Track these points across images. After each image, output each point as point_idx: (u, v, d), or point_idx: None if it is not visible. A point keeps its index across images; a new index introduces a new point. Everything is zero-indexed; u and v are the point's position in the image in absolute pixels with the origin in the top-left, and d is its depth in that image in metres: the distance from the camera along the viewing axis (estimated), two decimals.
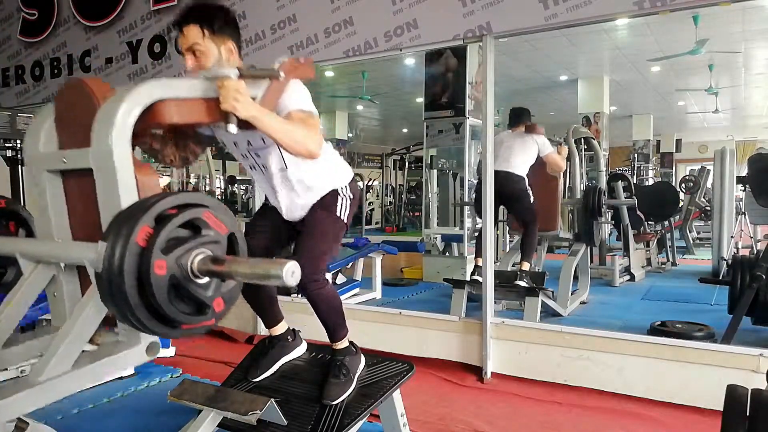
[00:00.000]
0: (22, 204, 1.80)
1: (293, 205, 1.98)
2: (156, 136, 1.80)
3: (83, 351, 1.32)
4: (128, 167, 1.27)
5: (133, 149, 1.69)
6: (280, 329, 2.15)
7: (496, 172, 4.07)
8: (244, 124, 1.57)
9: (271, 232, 2.05)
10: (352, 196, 2.03)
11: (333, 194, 1.99)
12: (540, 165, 4.32)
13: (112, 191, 1.26)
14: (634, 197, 6.41)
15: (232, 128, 1.52)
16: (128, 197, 1.26)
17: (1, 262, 1.62)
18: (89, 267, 1.25)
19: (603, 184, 6.04)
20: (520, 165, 4.18)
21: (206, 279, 1.16)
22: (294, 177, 1.93)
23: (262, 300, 2.14)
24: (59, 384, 1.25)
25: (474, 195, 4.47)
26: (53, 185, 1.47)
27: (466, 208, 6.29)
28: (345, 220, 2.00)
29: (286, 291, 3.98)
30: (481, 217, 3.31)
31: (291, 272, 1.06)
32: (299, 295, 4.03)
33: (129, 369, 3.07)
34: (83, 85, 1.39)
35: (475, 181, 5.46)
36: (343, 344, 2.03)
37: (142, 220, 1.09)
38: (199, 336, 1.22)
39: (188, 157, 1.91)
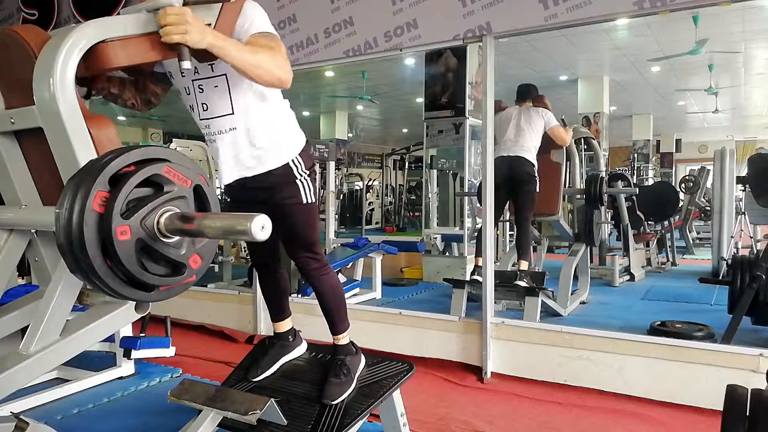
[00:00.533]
0: None
1: (234, 162, 1.80)
2: (112, 80, 1.66)
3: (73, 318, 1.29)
4: (78, 122, 1.18)
5: (89, 97, 1.60)
6: (284, 326, 2.16)
7: (505, 158, 4.11)
8: (200, 56, 1.40)
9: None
10: (308, 172, 1.89)
11: (289, 182, 1.85)
12: (544, 150, 4.31)
13: (66, 151, 1.18)
14: (634, 198, 6.42)
15: (186, 64, 1.33)
16: (85, 155, 1.17)
17: None
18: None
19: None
20: (530, 148, 4.16)
21: (177, 238, 1.09)
22: (240, 126, 1.75)
23: (276, 291, 2.16)
24: (51, 353, 1.22)
25: (478, 186, 4.45)
26: (8, 148, 1.37)
27: (466, 207, 6.30)
28: (313, 199, 1.91)
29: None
30: (482, 207, 3.28)
31: (261, 226, 0.98)
32: (299, 295, 4.03)
33: (129, 368, 3.07)
34: (15, 36, 1.27)
35: (476, 182, 5.46)
36: (344, 339, 2.03)
37: (95, 184, 1.00)
38: (181, 292, 1.16)
39: (150, 99, 1.77)
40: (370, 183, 13.50)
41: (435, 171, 6.94)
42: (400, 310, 3.52)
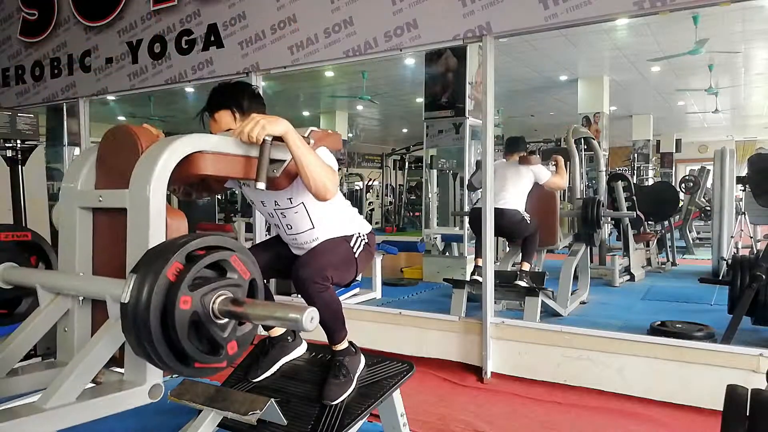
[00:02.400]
0: (23, 211, 1.82)
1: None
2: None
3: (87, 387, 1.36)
4: (161, 210, 1.35)
5: None
6: (279, 330, 2.15)
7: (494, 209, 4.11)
8: (271, 185, 1.66)
9: (275, 255, 2.08)
10: (368, 242, 2.07)
11: (350, 235, 2.04)
12: (537, 184, 4.30)
13: (142, 231, 1.34)
14: (634, 197, 6.41)
15: (261, 185, 1.59)
16: (157, 237, 1.33)
17: (18, 292, 1.65)
18: (110, 302, 1.30)
19: (603, 184, 6.04)
20: (513, 198, 4.14)
21: (225, 320, 1.20)
22: (320, 235, 2.00)
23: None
24: (63, 414, 1.28)
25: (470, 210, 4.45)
26: (84, 221, 1.53)
27: (466, 207, 6.29)
28: (356, 254, 2.01)
29: (286, 291, 3.99)
30: (476, 235, 3.29)
31: (310, 318, 1.10)
32: (299, 296, 4.03)
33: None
34: (130, 131, 1.48)
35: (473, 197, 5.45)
36: (342, 346, 2.02)
37: (174, 257, 1.14)
38: (208, 375, 1.26)
39: (192, 194, 1.94)
40: (370, 183, 13.50)
41: (435, 171, 6.94)
42: (400, 310, 3.52)
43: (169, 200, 1.42)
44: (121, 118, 12.08)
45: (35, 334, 1.50)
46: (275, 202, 1.95)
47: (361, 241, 2.05)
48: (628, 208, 6.17)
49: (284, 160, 1.70)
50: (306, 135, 1.77)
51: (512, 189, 4.17)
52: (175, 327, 1.12)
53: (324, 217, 1.98)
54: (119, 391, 1.37)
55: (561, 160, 4.50)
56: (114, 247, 1.43)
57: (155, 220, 1.34)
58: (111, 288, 1.31)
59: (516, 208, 4.13)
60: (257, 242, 3.61)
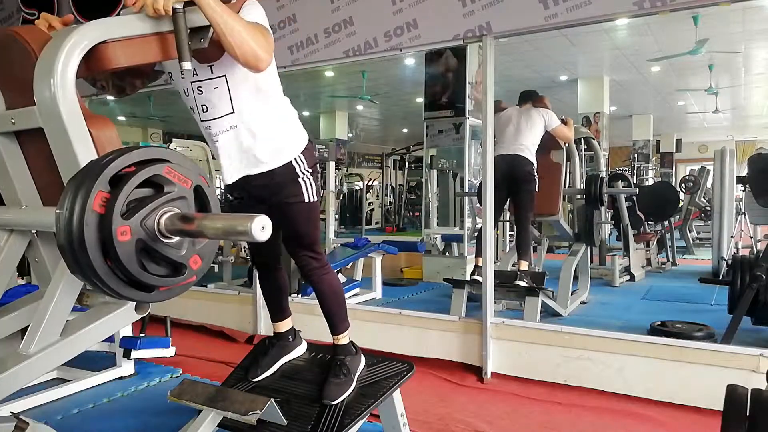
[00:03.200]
0: None
1: (236, 161, 1.81)
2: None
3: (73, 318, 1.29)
4: (79, 122, 1.18)
5: None
6: (284, 326, 2.16)
7: (505, 156, 4.11)
8: (200, 57, 1.44)
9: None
10: (311, 170, 1.89)
11: (291, 180, 1.85)
12: (544, 150, 4.31)
13: (67, 151, 1.18)
14: (634, 197, 6.42)
15: (187, 65, 1.36)
16: (85, 155, 1.17)
17: None
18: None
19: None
20: (529, 147, 4.17)
21: (177, 238, 1.09)
22: (241, 125, 1.76)
23: (275, 291, 2.16)
24: (51, 354, 1.22)
25: (478, 185, 4.44)
26: (9, 148, 1.38)
27: (466, 207, 6.29)
28: (315, 198, 1.91)
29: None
30: (482, 207, 3.26)
31: (261, 227, 0.98)
32: (299, 295, 4.03)
33: (129, 369, 3.07)
34: (16, 36, 1.27)
35: (476, 181, 5.46)
36: (344, 339, 2.03)
37: (96, 185, 1.01)
38: (182, 292, 1.17)
39: (125, 88, 1.75)
40: (370, 183, 13.50)
41: (435, 171, 6.94)
42: (400, 310, 3.52)
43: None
44: (121, 118, 12.08)
45: (5, 272, 1.41)
46: (194, 71, 1.68)
47: (307, 180, 1.87)
48: (629, 208, 6.18)
49: (209, 26, 1.44)
50: None
51: (527, 137, 4.19)
52: (121, 261, 1.02)
53: (248, 102, 1.75)
54: (105, 315, 1.27)
55: (571, 120, 4.56)
56: (50, 171, 1.26)
57: (76, 135, 1.17)
58: (53, 219, 1.13)
59: (530, 158, 4.15)
60: None
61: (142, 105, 10.67)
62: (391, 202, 13.45)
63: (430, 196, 6.98)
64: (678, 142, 15.27)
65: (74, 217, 0.99)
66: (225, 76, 1.69)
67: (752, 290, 3.14)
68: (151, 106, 10.82)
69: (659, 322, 3.63)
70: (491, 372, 3.10)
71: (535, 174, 4.16)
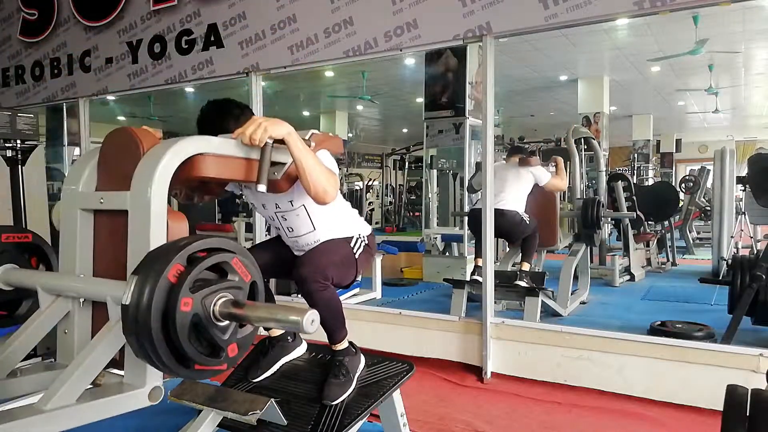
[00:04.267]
0: (23, 207, 1.81)
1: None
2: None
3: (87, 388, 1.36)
4: (163, 212, 1.36)
5: None
6: (279, 329, 2.15)
7: (495, 210, 4.10)
8: (272, 188, 1.67)
9: (275, 256, 2.07)
10: (368, 244, 2.07)
11: (351, 236, 2.04)
12: (538, 186, 4.31)
13: (143, 233, 1.34)
14: (634, 197, 6.41)
15: (262, 188, 1.59)
16: (158, 239, 1.33)
17: (18, 294, 1.65)
18: (111, 304, 1.31)
19: (603, 184, 6.04)
20: (513, 200, 4.15)
21: (225, 322, 1.20)
22: (321, 237, 2.00)
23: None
24: (63, 415, 1.28)
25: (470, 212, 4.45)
26: (85, 223, 1.53)
27: (466, 207, 6.29)
28: (356, 254, 2.01)
29: (286, 291, 3.99)
30: (475, 235, 3.29)
31: (311, 321, 1.10)
32: (299, 296, 4.03)
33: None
34: (131, 133, 1.48)
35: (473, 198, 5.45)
36: (342, 346, 2.02)
37: (175, 258, 1.15)
38: (208, 377, 1.31)
39: (194, 197, 1.94)
40: (370, 183, 13.49)
41: (435, 171, 6.94)
42: (400, 310, 3.52)
43: (169, 202, 1.42)
44: (121, 118, 12.08)
45: (35, 336, 1.50)
46: (276, 204, 1.95)
47: (362, 242, 2.05)
48: (628, 208, 6.17)
49: (285, 163, 1.70)
50: (307, 137, 1.77)
51: (512, 190, 4.17)
52: (176, 329, 1.12)
53: (325, 219, 1.98)
54: (119, 393, 1.38)
55: (561, 161, 4.50)
56: (115, 249, 1.43)
57: (156, 222, 1.34)
58: (112, 289, 1.31)
59: (515, 210, 4.13)
60: (257, 242, 3.61)
61: (143, 105, 10.66)
62: (391, 202, 13.43)
63: (430, 196, 6.98)
64: (678, 142, 15.27)
65: (149, 280, 1.11)
66: (304, 205, 1.94)
67: (752, 290, 3.14)
68: (151, 106, 10.82)
69: (659, 322, 3.63)
70: (491, 372, 3.10)
71: (526, 218, 4.18)
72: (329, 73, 8.86)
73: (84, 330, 1.51)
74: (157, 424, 2.48)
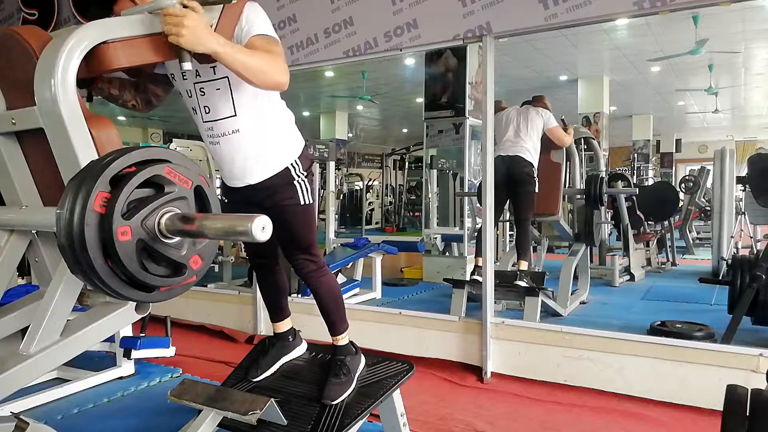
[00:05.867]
0: None
1: (235, 166, 1.82)
2: (113, 81, 1.68)
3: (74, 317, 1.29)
4: (79, 122, 1.18)
5: (91, 99, 1.61)
6: (284, 326, 2.16)
7: (504, 157, 4.11)
8: (201, 58, 1.40)
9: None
10: (306, 173, 1.89)
11: (287, 183, 1.85)
12: (544, 150, 4.31)
13: (67, 151, 1.18)
14: (634, 197, 6.42)
15: (187, 65, 1.35)
16: (86, 155, 1.17)
17: None
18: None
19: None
20: (529, 149, 4.16)
21: (177, 239, 1.09)
22: (242, 128, 1.75)
23: (274, 291, 2.16)
24: (51, 354, 1.22)
25: (478, 185, 4.44)
26: (9, 148, 1.38)
27: (466, 207, 6.30)
28: (311, 200, 1.92)
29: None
30: (482, 207, 3.25)
31: (261, 227, 0.98)
32: (299, 295, 4.03)
33: (129, 368, 3.07)
34: (16, 37, 1.27)
35: (476, 181, 5.46)
36: (343, 340, 2.03)
37: (96, 185, 1.01)
38: (182, 293, 1.19)
39: (151, 99, 1.79)
40: (370, 183, 13.50)
41: (435, 171, 6.94)
42: (400, 310, 3.52)
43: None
44: (121, 118, 12.08)
45: (5, 272, 1.42)
46: (196, 72, 1.67)
47: (303, 183, 1.88)
48: (629, 209, 6.18)
49: (210, 24, 1.44)
50: (219, 12, 1.52)
51: (527, 138, 4.18)
52: (122, 261, 1.02)
53: (249, 106, 1.74)
54: (105, 315, 1.27)
55: (571, 128, 4.57)
56: (51, 171, 1.26)
57: (76, 135, 1.17)
58: (53, 219, 1.12)
59: (530, 160, 4.14)
60: None
61: None
62: (391, 202, 13.44)
63: (430, 196, 6.98)
64: (678, 142, 15.27)
65: (75, 217, 0.99)
66: (227, 77, 1.68)
67: (752, 290, 3.14)
68: None
69: (659, 322, 3.63)
70: (491, 372, 3.10)
71: (535, 175, 4.15)
72: (329, 73, 8.86)
73: (53, 255, 1.43)
74: (157, 424, 2.49)
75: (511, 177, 4.08)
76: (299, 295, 4.04)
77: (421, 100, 6.69)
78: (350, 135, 14.05)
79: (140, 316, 1.31)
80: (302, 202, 1.89)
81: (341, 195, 11.68)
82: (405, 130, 15.19)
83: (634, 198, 6.45)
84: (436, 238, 6.57)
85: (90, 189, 1.00)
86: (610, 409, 2.68)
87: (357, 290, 4.95)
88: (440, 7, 3.19)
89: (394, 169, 13.47)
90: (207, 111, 1.75)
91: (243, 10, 1.59)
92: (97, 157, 1.15)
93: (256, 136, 1.78)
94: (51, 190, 1.36)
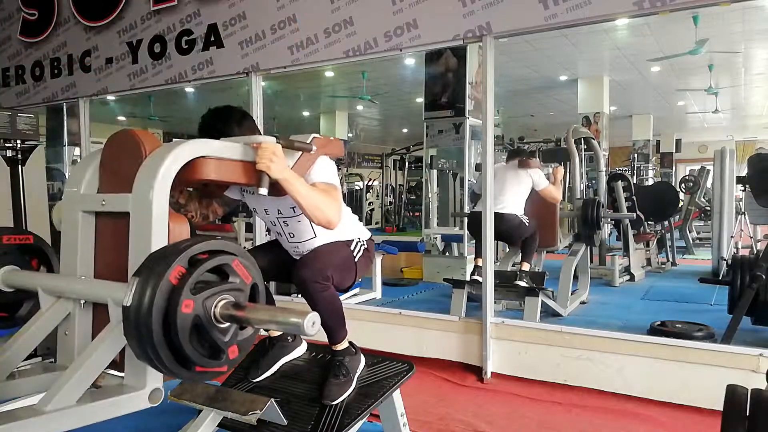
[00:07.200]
0: (24, 211, 1.82)
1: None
2: (184, 191, 1.90)
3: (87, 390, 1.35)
4: (164, 214, 1.36)
5: None
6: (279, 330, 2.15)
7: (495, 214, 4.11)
8: (274, 191, 1.68)
9: (275, 258, 2.07)
10: (367, 247, 2.09)
11: (351, 240, 2.05)
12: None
13: (145, 235, 1.35)
14: (634, 197, 6.41)
15: (263, 190, 1.63)
16: (159, 241, 1.34)
17: (19, 296, 1.66)
18: (112, 305, 1.31)
19: (603, 184, 6.04)
20: (512, 203, 4.16)
21: (226, 324, 1.21)
22: (321, 241, 2.00)
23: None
24: (63, 417, 1.28)
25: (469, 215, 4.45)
26: (86, 225, 1.54)
27: (466, 207, 6.29)
28: (355, 258, 2.02)
29: (286, 292, 3.99)
30: (475, 238, 3.29)
31: (312, 323, 1.11)
32: (299, 296, 4.03)
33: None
34: (133, 136, 1.48)
35: (475, 181, 5.46)
36: (342, 346, 2.03)
37: (177, 260, 1.15)
38: (208, 379, 1.35)
39: (209, 215, 1.99)
40: (370, 183, 13.49)
41: (435, 171, 6.95)
42: (400, 310, 3.52)
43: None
44: (122, 118, 12.09)
45: (36, 338, 1.50)
46: (278, 210, 1.96)
47: (361, 246, 2.06)
48: (628, 209, 6.17)
49: (288, 165, 1.71)
50: (308, 141, 1.78)
51: (511, 193, 4.19)
52: (177, 330, 1.13)
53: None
54: (119, 395, 1.38)
55: (560, 172, 4.53)
56: (116, 251, 1.43)
57: (158, 224, 1.34)
58: (113, 291, 1.32)
59: (514, 213, 4.15)
60: (257, 244, 3.61)
61: (143, 105, 10.67)
62: (391, 202, 13.43)
63: (430, 196, 6.98)
64: (678, 142, 15.26)
65: (150, 281, 1.12)
66: None
67: (752, 290, 3.14)
68: (151, 106, 10.82)
69: (659, 322, 3.63)
70: (491, 372, 3.10)
71: (525, 220, 4.20)
72: (329, 73, 8.86)
73: (84, 331, 1.51)
74: (157, 424, 2.48)
75: (504, 233, 4.09)
76: (299, 296, 4.03)
77: (421, 100, 6.69)
78: (350, 135, 14.05)
79: (151, 405, 1.41)
80: (350, 247, 2.03)
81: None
82: (405, 130, 15.19)
83: (634, 198, 6.45)
84: (436, 238, 6.57)
85: (170, 262, 1.15)
86: (610, 409, 2.68)
87: (357, 290, 4.95)
88: (440, 7, 3.19)
89: (394, 169, 13.45)
90: (291, 236, 2.03)
91: (316, 160, 1.83)
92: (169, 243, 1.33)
93: (334, 240, 2.01)
94: (110, 269, 1.50)
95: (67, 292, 1.50)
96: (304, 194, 1.71)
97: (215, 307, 1.19)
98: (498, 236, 3.94)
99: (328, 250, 1.97)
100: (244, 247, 1.70)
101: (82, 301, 1.50)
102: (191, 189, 1.92)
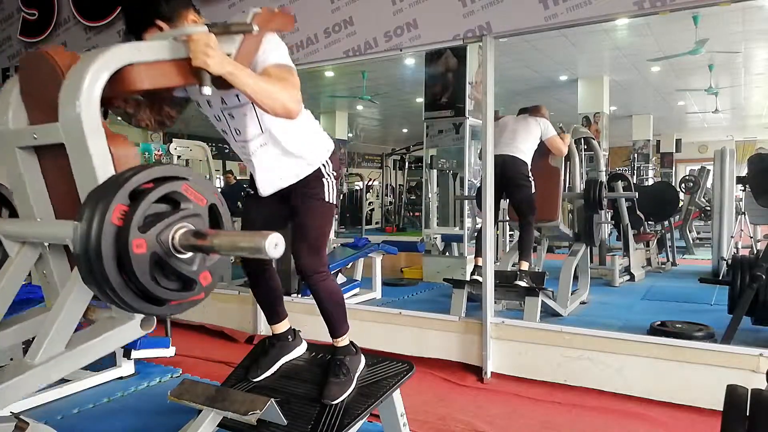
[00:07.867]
0: None
1: (270, 175, 1.91)
2: (129, 100, 1.75)
3: (78, 330, 1.31)
4: (100, 139, 1.22)
5: (106, 116, 1.64)
6: (282, 327, 2.16)
7: (499, 156, 4.08)
8: (219, 84, 1.48)
9: (264, 222, 2.00)
10: (335, 174, 1.98)
11: (317, 177, 1.94)
12: (542, 155, 4.32)
13: (86, 166, 1.21)
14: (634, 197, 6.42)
15: (207, 90, 1.43)
16: (104, 171, 1.21)
17: None
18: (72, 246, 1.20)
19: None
20: (524, 150, 4.17)
21: (190, 254, 1.12)
22: (271, 142, 1.85)
23: (269, 295, 2.14)
24: (55, 365, 1.24)
25: (477, 188, 4.45)
26: (28, 163, 1.41)
27: (466, 207, 6.29)
28: (334, 202, 1.99)
29: (287, 291, 3.99)
30: (482, 211, 3.26)
31: (274, 244, 1.01)
32: (299, 295, 4.03)
33: (129, 368, 3.07)
34: (45, 56, 1.32)
35: (476, 181, 5.46)
36: (343, 341, 2.03)
37: (115, 198, 1.04)
38: (190, 308, 1.23)
39: (164, 121, 1.86)
40: (370, 183, 13.50)
41: (435, 171, 6.94)
42: (400, 310, 3.52)
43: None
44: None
45: (14, 284, 1.43)
46: (222, 99, 1.78)
47: (330, 181, 1.95)
48: (629, 208, 6.18)
49: (230, 53, 1.53)
50: (249, 20, 1.58)
51: (523, 141, 4.19)
52: (135, 273, 1.05)
53: (276, 122, 1.82)
54: (110, 330, 1.30)
55: (568, 137, 4.56)
56: (68, 186, 1.29)
57: (96, 152, 1.21)
58: (69, 232, 1.15)
59: (524, 160, 4.14)
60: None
61: None
62: (391, 202, 13.44)
63: (430, 196, 6.98)
64: (678, 142, 15.27)
65: (92, 228, 1.02)
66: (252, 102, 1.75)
67: (752, 290, 3.14)
68: None
69: (659, 322, 3.63)
70: (491, 372, 3.10)
71: (529, 175, 4.15)
72: (329, 73, 8.87)
73: (62, 269, 1.45)
74: (157, 424, 2.49)
75: (507, 176, 4.04)
76: (299, 295, 4.04)
77: (421, 100, 6.69)
78: (350, 135, 14.05)
79: (145, 332, 1.34)
80: (326, 199, 1.96)
81: (341, 195, 11.67)
82: (405, 130, 15.19)
83: (634, 198, 6.45)
84: (436, 238, 6.57)
85: (109, 201, 1.03)
86: (610, 409, 2.68)
87: (357, 290, 4.95)
88: (440, 7, 3.19)
89: (394, 169, 13.46)
90: (238, 132, 1.86)
91: (262, 41, 1.65)
92: (115, 174, 1.18)
93: (286, 147, 1.87)
94: (65, 205, 1.39)
95: (27, 237, 1.43)
96: (253, 86, 1.52)
97: (172, 239, 1.09)
98: (505, 183, 3.98)
99: (311, 223, 1.95)
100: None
101: (47, 243, 1.43)
102: (138, 97, 1.77)
